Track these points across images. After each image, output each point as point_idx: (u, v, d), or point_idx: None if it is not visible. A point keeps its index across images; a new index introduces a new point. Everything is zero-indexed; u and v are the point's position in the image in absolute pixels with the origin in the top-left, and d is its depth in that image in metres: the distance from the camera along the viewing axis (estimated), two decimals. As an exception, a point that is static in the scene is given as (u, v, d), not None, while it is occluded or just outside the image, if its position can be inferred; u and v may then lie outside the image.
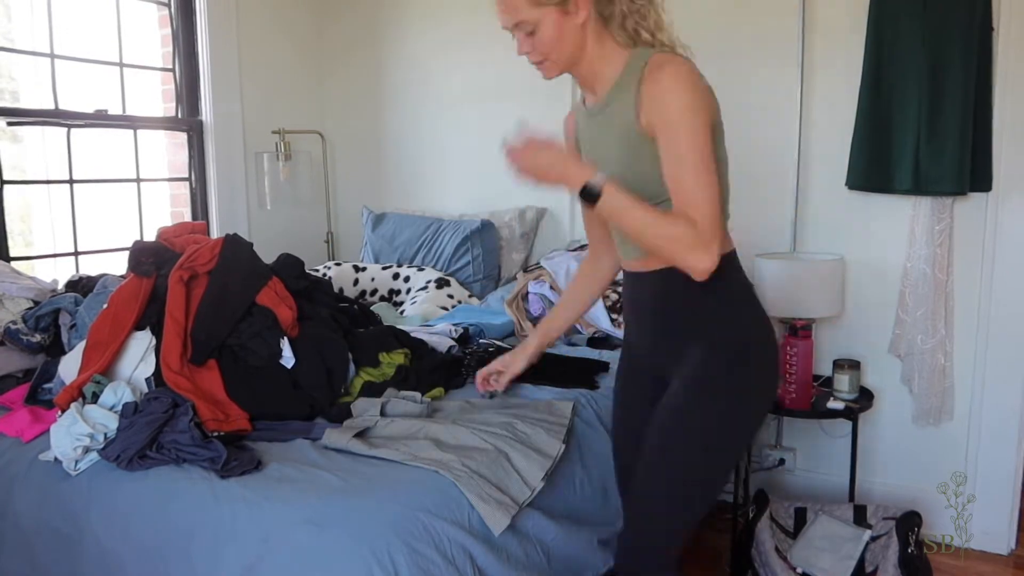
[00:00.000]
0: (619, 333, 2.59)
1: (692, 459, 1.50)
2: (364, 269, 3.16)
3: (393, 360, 2.10)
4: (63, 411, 1.71)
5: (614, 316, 2.64)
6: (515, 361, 1.86)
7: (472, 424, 1.80)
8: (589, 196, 1.39)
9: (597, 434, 2.01)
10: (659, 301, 1.57)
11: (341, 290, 3.06)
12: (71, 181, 2.90)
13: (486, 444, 1.71)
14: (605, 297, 2.66)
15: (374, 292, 3.10)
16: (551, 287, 2.73)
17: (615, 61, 1.50)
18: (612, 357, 2.40)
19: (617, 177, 1.42)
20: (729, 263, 1.53)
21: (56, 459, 1.65)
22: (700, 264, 1.37)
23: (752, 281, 2.75)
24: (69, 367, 1.99)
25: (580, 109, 1.65)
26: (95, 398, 1.75)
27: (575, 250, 2.97)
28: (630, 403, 1.71)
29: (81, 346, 2.04)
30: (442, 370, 2.17)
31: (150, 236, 3.18)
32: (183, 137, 3.28)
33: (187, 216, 3.33)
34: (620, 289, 2.56)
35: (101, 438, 1.63)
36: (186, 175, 3.31)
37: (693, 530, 1.60)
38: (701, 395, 1.49)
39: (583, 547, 1.84)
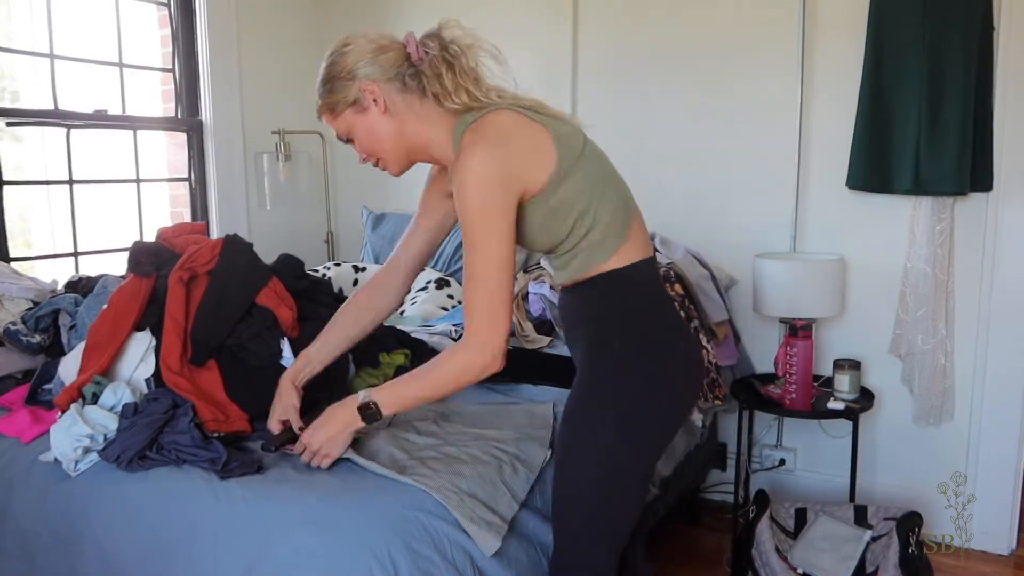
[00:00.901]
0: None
1: (583, 488, 1.49)
2: (364, 269, 3.16)
3: (393, 360, 2.10)
4: (63, 412, 1.71)
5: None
6: (288, 407, 1.68)
7: (461, 438, 1.78)
8: (371, 417, 1.48)
9: (597, 434, 2.01)
10: (564, 316, 1.60)
11: (340, 290, 3.05)
12: (71, 181, 2.90)
13: (480, 458, 1.69)
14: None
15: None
16: (551, 287, 2.73)
17: (447, 134, 1.48)
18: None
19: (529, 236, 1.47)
20: (622, 278, 1.48)
21: (56, 460, 1.65)
22: (479, 367, 1.40)
23: (752, 281, 2.76)
24: (69, 368, 1.98)
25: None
26: (95, 399, 1.75)
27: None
28: None
29: (81, 347, 2.04)
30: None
31: (150, 236, 3.19)
32: (183, 137, 3.28)
33: (187, 216, 3.33)
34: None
35: (101, 439, 1.63)
36: (186, 175, 3.31)
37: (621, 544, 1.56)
38: (573, 418, 1.50)
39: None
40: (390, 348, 2.12)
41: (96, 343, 1.87)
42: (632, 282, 1.49)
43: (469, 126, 1.42)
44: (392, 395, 1.47)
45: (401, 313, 2.90)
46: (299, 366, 1.71)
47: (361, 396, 1.48)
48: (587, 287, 1.50)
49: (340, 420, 1.52)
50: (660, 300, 1.55)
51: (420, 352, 2.20)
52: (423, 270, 1.83)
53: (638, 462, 1.50)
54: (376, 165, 1.56)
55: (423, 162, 1.57)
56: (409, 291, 1.81)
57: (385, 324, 2.35)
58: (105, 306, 1.97)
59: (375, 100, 1.47)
